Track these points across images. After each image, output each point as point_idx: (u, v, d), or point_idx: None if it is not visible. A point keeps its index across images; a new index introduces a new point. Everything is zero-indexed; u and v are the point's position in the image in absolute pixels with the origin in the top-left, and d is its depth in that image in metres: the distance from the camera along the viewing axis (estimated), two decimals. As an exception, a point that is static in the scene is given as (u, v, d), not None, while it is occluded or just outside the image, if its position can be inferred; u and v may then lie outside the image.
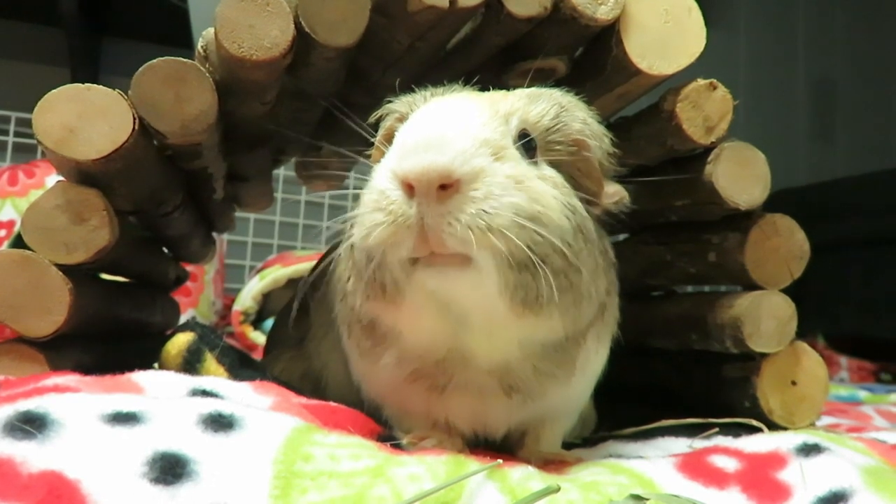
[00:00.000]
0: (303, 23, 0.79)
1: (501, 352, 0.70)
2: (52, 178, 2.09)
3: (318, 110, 1.10)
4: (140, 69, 0.80)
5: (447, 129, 0.63)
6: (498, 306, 0.65)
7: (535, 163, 0.71)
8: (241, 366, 0.93)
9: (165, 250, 1.35)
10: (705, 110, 0.90)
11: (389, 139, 0.74)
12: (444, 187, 0.61)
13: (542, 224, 0.63)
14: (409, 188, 0.62)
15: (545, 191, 0.66)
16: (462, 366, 0.72)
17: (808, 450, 0.71)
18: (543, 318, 0.66)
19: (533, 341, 0.70)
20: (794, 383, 0.96)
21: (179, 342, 0.91)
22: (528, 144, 0.70)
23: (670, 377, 1.16)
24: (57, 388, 0.62)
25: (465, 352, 0.70)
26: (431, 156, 0.61)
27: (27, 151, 2.62)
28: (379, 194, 0.64)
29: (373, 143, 0.81)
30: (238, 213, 1.58)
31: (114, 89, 0.80)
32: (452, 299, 0.65)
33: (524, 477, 0.59)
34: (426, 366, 0.73)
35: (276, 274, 2.51)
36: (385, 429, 0.79)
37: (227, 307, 2.66)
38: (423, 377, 0.74)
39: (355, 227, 0.67)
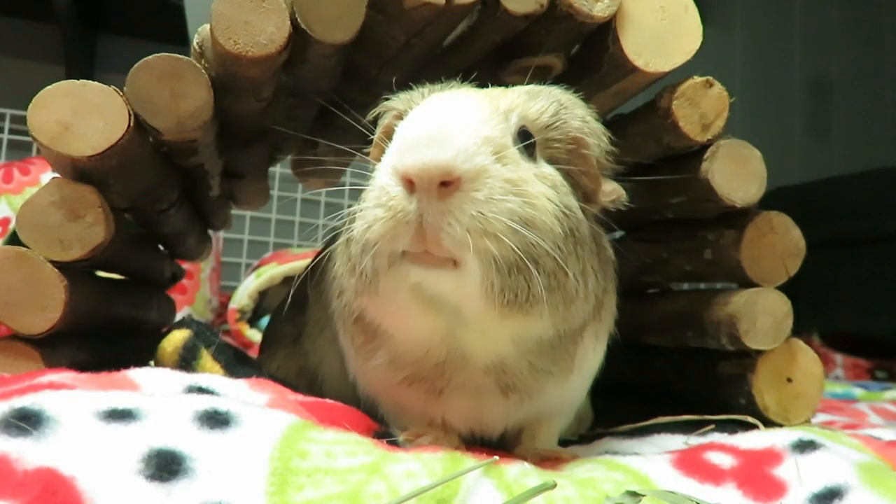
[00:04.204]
0: (299, 19, 0.79)
1: (496, 349, 0.70)
2: (48, 175, 2.09)
3: (315, 107, 1.10)
4: (135, 66, 0.79)
5: (448, 125, 0.63)
6: (480, 306, 0.65)
7: (534, 160, 0.71)
8: (237, 363, 0.92)
9: (161, 248, 1.35)
10: (701, 108, 0.90)
11: (388, 136, 0.74)
12: (445, 184, 0.61)
13: (534, 228, 0.64)
14: (410, 184, 0.61)
15: (541, 193, 0.66)
16: (461, 367, 0.72)
17: (804, 446, 0.71)
18: (533, 317, 0.66)
19: (525, 338, 0.70)
20: (789, 380, 0.96)
21: (175, 339, 0.91)
22: (527, 142, 0.70)
23: (666, 374, 1.16)
24: (52, 386, 0.62)
25: (463, 351, 0.70)
26: (432, 152, 0.61)
27: (22, 149, 2.61)
28: (380, 190, 0.64)
29: (370, 141, 0.80)
30: (234, 211, 1.58)
31: (109, 86, 0.80)
32: (438, 294, 0.65)
33: (520, 473, 0.60)
34: (424, 369, 0.73)
35: (272, 272, 2.51)
36: (381, 426, 0.79)
37: (224, 305, 2.66)
38: (419, 381, 0.74)
39: (356, 222, 0.67)
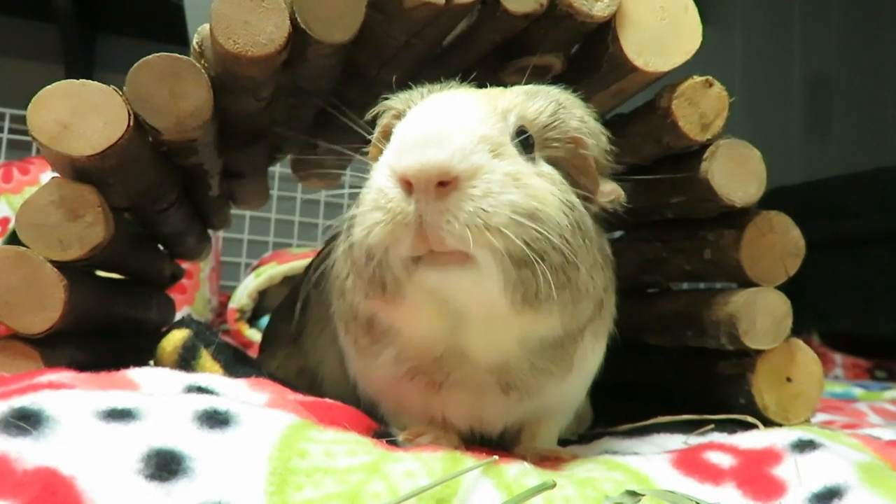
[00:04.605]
0: (298, 19, 0.79)
1: (500, 349, 0.70)
2: (47, 175, 2.09)
3: (314, 107, 1.10)
4: (135, 65, 0.79)
5: (445, 125, 0.63)
6: (499, 304, 0.64)
7: (533, 160, 0.71)
8: (237, 363, 0.92)
9: (161, 247, 1.35)
10: (701, 107, 0.90)
11: (387, 136, 0.73)
12: (442, 184, 0.61)
13: (539, 221, 0.63)
14: (408, 185, 0.61)
15: (543, 187, 0.66)
16: (459, 363, 0.72)
17: (803, 446, 0.71)
18: (543, 314, 0.66)
19: (532, 338, 0.70)
20: (789, 380, 0.97)
21: (175, 339, 0.91)
22: (525, 141, 0.70)
23: (666, 374, 1.16)
24: (52, 385, 0.62)
25: (462, 349, 0.70)
26: (430, 152, 0.61)
27: (22, 148, 2.61)
28: (378, 192, 0.64)
29: (369, 140, 0.80)
30: (234, 211, 1.58)
31: (108, 85, 0.79)
32: (453, 297, 0.65)
33: (520, 473, 0.60)
34: (424, 363, 0.73)
35: (271, 271, 2.51)
36: (381, 425, 0.79)
37: (223, 304, 2.66)
38: (420, 373, 0.74)
39: (356, 225, 0.67)
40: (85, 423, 0.54)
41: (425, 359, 0.72)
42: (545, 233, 0.63)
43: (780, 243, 0.96)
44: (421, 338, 0.71)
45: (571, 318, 0.70)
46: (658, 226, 1.11)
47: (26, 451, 0.49)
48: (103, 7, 2.71)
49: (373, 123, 0.80)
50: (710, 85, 0.91)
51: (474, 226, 0.60)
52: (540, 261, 0.63)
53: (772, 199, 0.96)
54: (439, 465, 0.58)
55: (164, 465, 0.51)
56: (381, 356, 0.75)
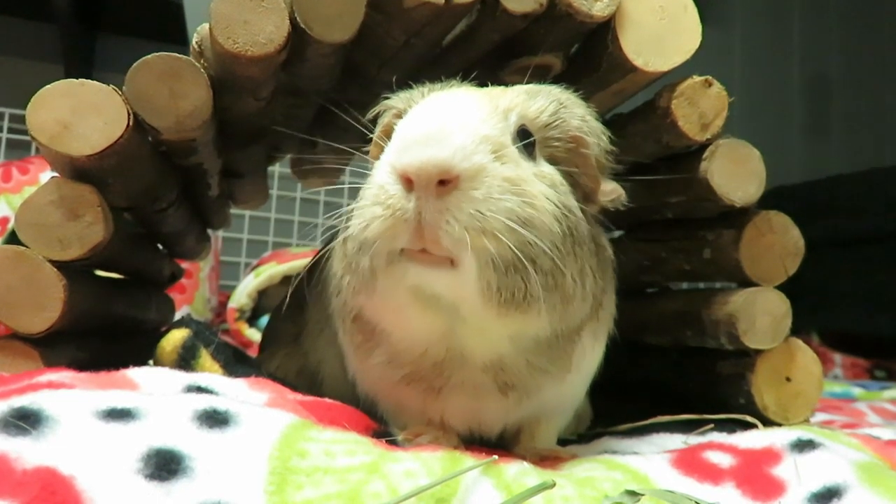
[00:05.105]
0: (298, 19, 0.79)
1: (494, 347, 0.70)
2: (47, 175, 2.09)
3: (313, 107, 1.10)
4: (134, 65, 0.79)
5: (447, 124, 0.63)
6: (477, 305, 0.65)
7: (534, 159, 0.71)
8: (236, 362, 0.92)
9: (160, 247, 1.35)
10: (700, 107, 0.90)
11: (388, 135, 0.74)
12: (443, 183, 0.61)
13: (534, 227, 0.64)
14: (409, 182, 0.61)
15: (541, 192, 0.66)
16: (459, 366, 0.71)
17: (803, 446, 0.71)
18: (530, 316, 0.66)
19: (523, 336, 0.70)
20: (788, 380, 0.97)
21: (174, 339, 0.91)
22: (526, 141, 0.70)
23: (665, 373, 1.17)
24: (51, 385, 0.62)
25: (461, 349, 0.70)
26: (431, 150, 0.61)
27: (21, 148, 2.61)
28: (378, 188, 0.64)
29: (369, 140, 0.80)
30: (233, 210, 1.58)
31: (108, 85, 0.79)
32: (436, 293, 0.65)
33: (519, 473, 0.60)
34: (422, 368, 0.73)
35: (271, 271, 2.51)
36: (380, 425, 0.79)
37: (223, 304, 2.66)
38: (418, 380, 0.74)
39: (353, 219, 0.67)
40: (84, 422, 0.54)
41: (423, 364, 0.72)
42: (536, 239, 0.63)
43: (780, 243, 0.96)
44: (410, 340, 0.71)
45: (560, 320, 0.70)
46: (658, 226, 1.11)
47: (26, 451, 0.49)
48: (103, 7, 2.71)
49: (373, 123, 0.80)
50: (710, 85, 0.91)
51: (472, 229, 0.61)
52: (529, 265, 0.63)
53: (771, 198, 0.96)
54: (439, 464, 0.58)
55: (164, 465, 0.51)
56: (372, 356, 0.76)
